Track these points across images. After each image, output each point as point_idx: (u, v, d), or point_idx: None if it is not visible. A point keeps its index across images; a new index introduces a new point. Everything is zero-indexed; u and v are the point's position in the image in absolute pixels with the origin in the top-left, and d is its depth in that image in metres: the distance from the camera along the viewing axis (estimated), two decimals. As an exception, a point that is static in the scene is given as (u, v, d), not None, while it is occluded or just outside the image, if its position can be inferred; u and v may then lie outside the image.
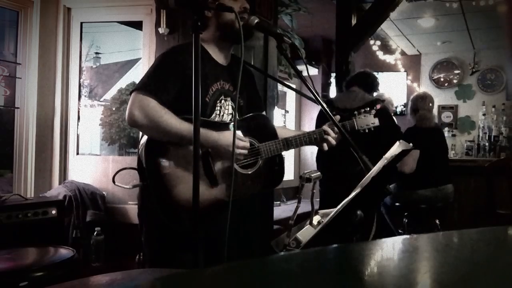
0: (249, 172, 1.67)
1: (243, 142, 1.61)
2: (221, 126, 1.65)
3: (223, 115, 1.71)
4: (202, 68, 1.62)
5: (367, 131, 1.78)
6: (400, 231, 3.81)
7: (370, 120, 1.77)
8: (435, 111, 5.58)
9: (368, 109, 1.77)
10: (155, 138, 1.56)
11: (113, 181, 1.58)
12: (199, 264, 1.45)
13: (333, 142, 1.73)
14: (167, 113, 1.52)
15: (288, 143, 1.71)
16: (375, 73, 3.53)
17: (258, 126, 1.75)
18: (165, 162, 1.55)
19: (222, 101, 1.70)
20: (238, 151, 1.58)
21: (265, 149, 1.69)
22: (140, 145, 1.61)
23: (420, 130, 3.68)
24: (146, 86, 1.55)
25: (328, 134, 1.73)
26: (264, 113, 1.89)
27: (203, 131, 1.53)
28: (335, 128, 1.69)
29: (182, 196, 1.52)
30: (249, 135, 1.69)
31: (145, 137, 1.59)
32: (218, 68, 1.71)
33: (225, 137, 1.57)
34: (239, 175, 1.64)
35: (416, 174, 3.54)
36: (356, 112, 1.77)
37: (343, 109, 2.99)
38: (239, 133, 1.63)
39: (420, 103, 3.74)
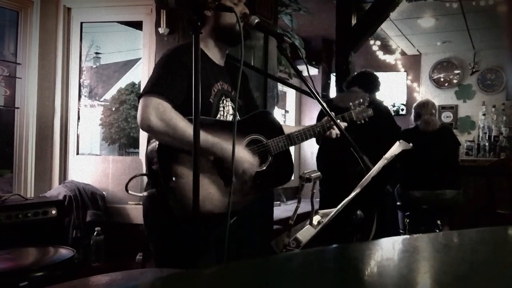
0: (264, 168, 1.68)
1: (252, 161, 1.60)
2: (230, 126, 1.63)
3: (226, 116, 1.70)
4: (203, 68, 1.62)
5: (363, 121, 1.88)
6: (401, 231, 3.81)
7: (366, 111, 1.88)
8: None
9: (362, 100, 1.88)
10: (167, 143, 1.51)
11: (126, 190, 1.52)
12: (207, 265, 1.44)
13: (338, 132, 1.77)
14: (182, 120, 1.48)
15: (294, 138, 1.73)
16: (375, 73, 3.53)
17: (263, 123, 1.75)
18: (179, 167, 1.50)
19: (224, 101, 1.70)
20: (245, 166, 1.58)
21: (274, 146, 1.69)
22: (149, 150, 1.57)
23: (418, 132, 3.70)
24: (158, 88, 1.51)
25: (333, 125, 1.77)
26: None
27: (217, 142, 1.52)
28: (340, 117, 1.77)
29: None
30: (256, 132, 1.69)
31: (155, 142, 1.54)
32: (216, 69, 1.71)
33: (237, 150, 1.51)
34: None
35: (410, 175, 3.56)
36: (351, 104, 1.87)
37: (343, 109, 3.01)
38: (245, 154, 1.61)
39: (422, 110, 3.77)
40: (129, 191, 1.53)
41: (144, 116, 1.47)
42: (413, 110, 3.95)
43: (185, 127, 1.47)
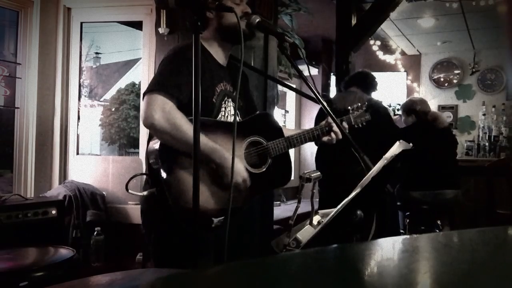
0: (263, 170, 1.68)
1: (246, 177, 1.59)
2: (230, 127, 1.62)
3: (227, 117, 1.70)
4: (208, 68, 1.62)
5: (360, 125, 1.89)
6: (401, 231, 3.82)
7: (363, 115, 1.90)
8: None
9: (360, 104, 1.90)
10: (167, 143, 1.50)
11: (127, 189, 1.51)
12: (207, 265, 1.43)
13: (340, 135, 1.76)
14: (186, 122, 1.47)
15: (294, 141, 1.75)
16: (375, 73, 3.53)
17: (264, 124, 1.75)
18: (179, 167, 1.50)
19: (226, 102, 1.70)
20: (239, 180, 1.56)
21: (273, 148, 1.70)
22: (149, 149, 1.56)
23: (418, 132, 3.69)
24: (163, 87, 1.49)
25: (332, 127, 1.77)
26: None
27: (217, 148, 1.51)
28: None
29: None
30: (256, 134, 1.69)
31: (156, 141, 1.53)
32: (220, 69, 1.71)
33: (236, 165, 1.49)
34: (251, 175, 1.64)
35: (410, 175, 3.56)
36: (350, 108, 1.89)
37: (342, 109, 3.02)
38: (242, 168, 1.59)
39: (422, 106, 3.75)
40: (130, 191, 1.52)
41: (149, 113, 1.46)
42: (405, 107, 3.85)
43: (188, 129, 1.45)
